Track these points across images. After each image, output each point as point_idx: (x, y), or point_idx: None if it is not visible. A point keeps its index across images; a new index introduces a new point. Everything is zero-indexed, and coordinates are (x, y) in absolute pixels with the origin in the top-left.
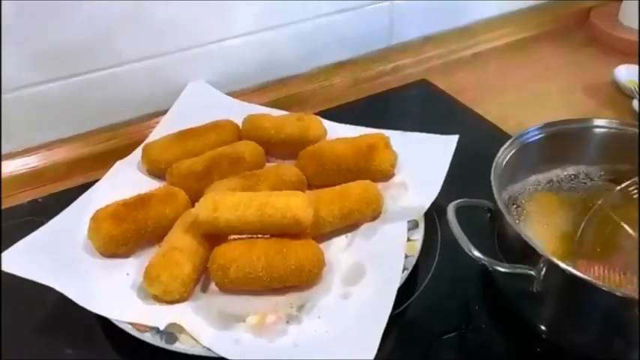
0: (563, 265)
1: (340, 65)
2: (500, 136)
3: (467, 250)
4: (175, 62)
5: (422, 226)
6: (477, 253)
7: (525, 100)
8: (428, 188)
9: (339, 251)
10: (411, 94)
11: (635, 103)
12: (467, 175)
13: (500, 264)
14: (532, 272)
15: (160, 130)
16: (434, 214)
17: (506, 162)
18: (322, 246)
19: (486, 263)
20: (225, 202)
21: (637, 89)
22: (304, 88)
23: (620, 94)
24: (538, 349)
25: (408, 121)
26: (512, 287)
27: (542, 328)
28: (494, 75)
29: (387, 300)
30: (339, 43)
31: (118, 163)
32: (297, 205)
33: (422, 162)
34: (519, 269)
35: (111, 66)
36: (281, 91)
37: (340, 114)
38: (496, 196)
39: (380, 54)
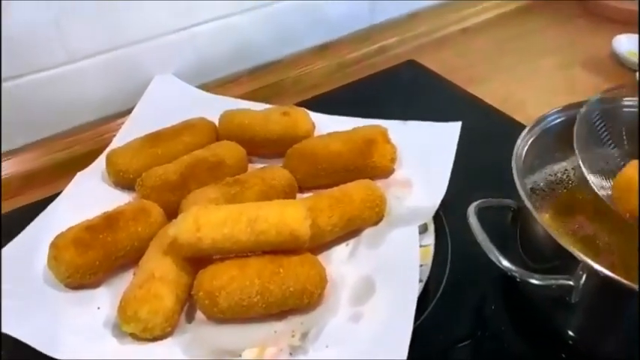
0: (607, 272)
1: (320, 49)
2: (502, 120)
3: (495, 261)
4: (137, 55)
5: (432, 228)
6: (506, 264)
7: (522, 78)
8: (434, 184)
9: (341, 263)
10: (399, 76)
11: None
12: (473, 166)
13: (534, 276)
14: (570, 282)
15: (125, 134)
16: (440, 212)
17: (525, 152)
18: (321, 258)
19: (517, 275)
20: (208, 219)
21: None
22: (283, 77)
23: (622, 67)
24: (563, 355)
25: (399, 107)
26: (540, 295)
27: (571, 334)
28: (485, 52)
29: (405, 320)
30: (318, 25)
31: (79, 175)
32: (293, 217)
33: (424, 154)
34: (554, 280)
35: (62, 63)
36: (257, 81)
37: (325, 103)
38: (522, 194)
39: (362, 34)
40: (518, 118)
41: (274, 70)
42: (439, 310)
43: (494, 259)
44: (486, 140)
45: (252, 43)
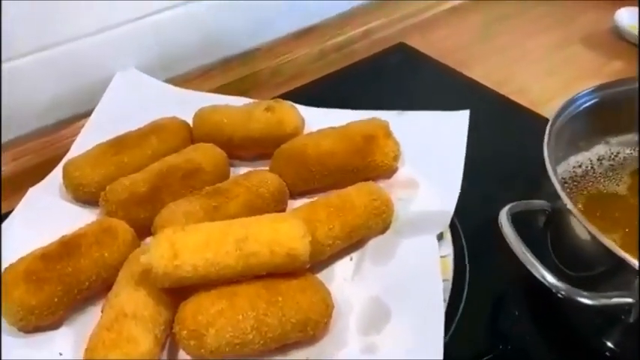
0: None
1: (300, 35)
2: (506, 105)
3: (538, 276)
4: (90, 49)
5: (449, 236)
6: (552, 280)
7: (520, 58)
8: (445, 183)
9: (345, 282)
10: (389, 61)
11: None
12: (482, 159)
13: (583, 294)
14: (630, 300)
15: (84, 140)
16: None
17: (556, 143)
18: (321, 277)
19: (564, 294)
20: (186, 243)
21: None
22: (259, 67)
23: (624, 42)
24: None
25: (393, 96)
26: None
27: (610, 345)
28: (478, 31)
29: (433, 352)
30: (296, 8)
31: (31, 191)
32: (289, 234)
33: (429, 148)
34: (606, 299)
35: (4, 60)
36: (230, 73)
37: (309, 95)
38: (563, 196)
39: (346, 17)
40: (519, 101)
41: (249, 60)
42: (461, 328)
43: (537, 274)
44: (496, 130)
45: (222, 31)
